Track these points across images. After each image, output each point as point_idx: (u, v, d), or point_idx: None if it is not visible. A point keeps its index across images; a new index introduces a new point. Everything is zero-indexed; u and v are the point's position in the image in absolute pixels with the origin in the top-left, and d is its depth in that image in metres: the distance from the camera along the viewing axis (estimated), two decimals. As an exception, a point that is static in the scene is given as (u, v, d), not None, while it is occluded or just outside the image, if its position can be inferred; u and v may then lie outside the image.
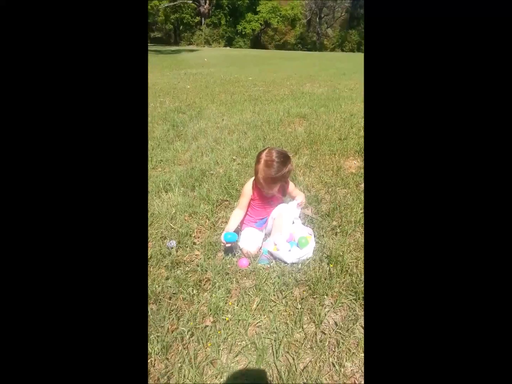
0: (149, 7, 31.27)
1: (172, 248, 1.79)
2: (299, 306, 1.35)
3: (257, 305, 1.37)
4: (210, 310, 1.34)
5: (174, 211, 2.14)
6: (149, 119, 4.39)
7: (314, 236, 1.75)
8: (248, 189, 1.74)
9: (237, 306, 1.36)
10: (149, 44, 27.23)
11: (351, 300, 1.37)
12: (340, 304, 1.36)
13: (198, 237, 1.93)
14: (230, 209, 2.15)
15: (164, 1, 31.18)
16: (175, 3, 32.05)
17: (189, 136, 3.69)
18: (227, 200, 2.28)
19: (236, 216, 1.78)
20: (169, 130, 3.87)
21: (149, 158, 3.08)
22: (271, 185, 1.59)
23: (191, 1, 33.57)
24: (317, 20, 41.31)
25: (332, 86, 7.30)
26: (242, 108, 4.92)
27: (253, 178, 1.71)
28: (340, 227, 1.87)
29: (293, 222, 1.75)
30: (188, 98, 5.74)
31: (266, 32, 39.17)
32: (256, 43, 36.68)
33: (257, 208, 1.78)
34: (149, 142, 3.50)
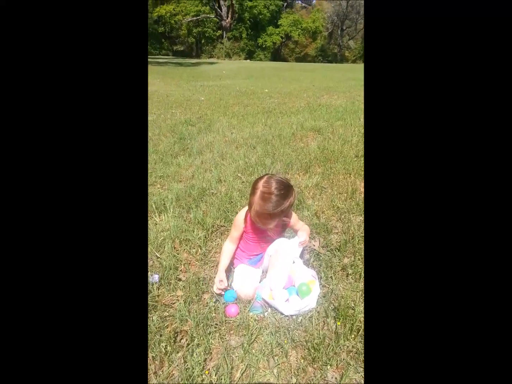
0: (172, 21, 32.22)
1: (153, 284, 1.53)
2: (294, 380, 1.04)
3: (241, 374, 1.08)
4: (181, 379, 1.06)
5: (163, 238, 1.89)
6: (157, 131, 4.24)
7: (320, 279, 1.45)
8: (240, 220, 1.48)
9: (215, 375, 1.07)
10: (170, 57, 27.89)
11: (361, 375, 1.05)
12: (347, 379, 1.04)
13: (185, 271, 1.66)
14: (226, 236, 1.88)
15: (187, 16, 32.00)
16: (197, 17, 32.79)
17: (195, 150, 3.47)
18: (224, 226, 2.01)
19: (228, 251, 1.53)
20: (175, 144, 3.68)
21: (149, 173, 2.87)
22: (268, 221, 1.33)
23: (213, 16, 34.26)
24: (339, 32, 41.15)
25: (351, 98, 6.99)
26: (254, 121, 4.69)
27: (247, 208, 1.43)
28: (353, 266, 1.55)
29: (294, 262, 1.46)
30: (200, 110, 5.58)
31: (287, 45, 39.35)
32: (277, 56, 36.85)
33: (250, 242, 1.51)
34: (153, 156, 3.31)
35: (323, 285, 1.44)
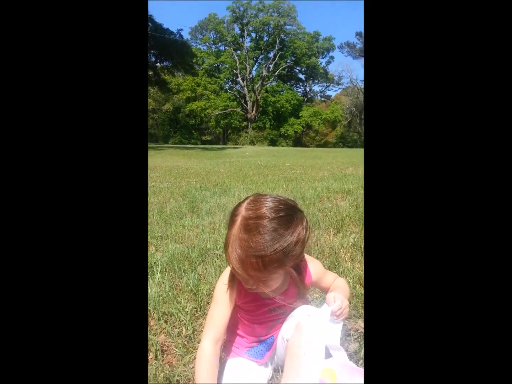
0: (202, 115, 35.66)
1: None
2: None
3: None
4: None
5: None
6: (168, 195, 3.89)
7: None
8: (222, 291, 0.85)
9: None
10: (199, 146, 29.89)
11: None
12: None
13: (153, 365, 1.03)
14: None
15: (216, 110, 35.44)
16: (225, 111, 36.16)
17: (204, 211, 3.01)
18: (225, 295, 1.40)
19: (209, 364, 0.80)
20: (182, 207, 3.25)
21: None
22: (261, 275, 0.72)
23: (239, 109, 37.72)
24: (358, 120, 43.50)
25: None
26: (273, 186, 4.29)
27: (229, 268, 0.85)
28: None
29: (331, 354, 0.80)
30: (218, 179, 5.32)
31: (308, 134, 41.75)
32: (298, 143, 38.87)
33: (249, 322, 0.89)
34: (155, 217, 2.87)
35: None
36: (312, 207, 2.88)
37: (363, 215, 2.50)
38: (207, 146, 26.61)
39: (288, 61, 37.88)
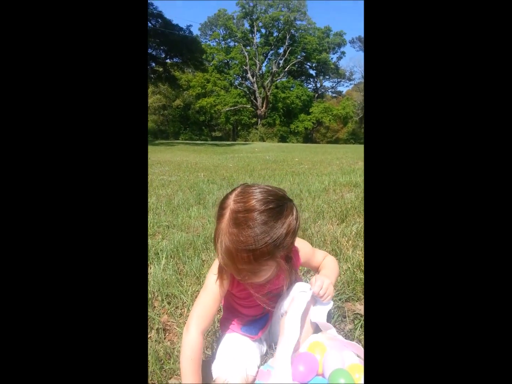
0: (212, 111, 35.76)
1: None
2: None
3: None
4: None
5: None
6: (176, 188, 3.95)
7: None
8: (213, 281, 0.84)
9: None
10: (208, 142, 30.04)
11: None
12: None
13: (155, 341, 1.06)
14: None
15: (226, 106, 35.49)
16: (235, 107, 36.17)
17: (211, 202, 3.05)
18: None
19: (194, 356, 0.77)
20: (189, 198, 3.30)
21: (152, 223, 2.43)
22: (251, 267, 0.71)
23: (249, 106, 37.68)
24: (368, 117, 42.77)
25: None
26: (280, 180, 4.30)
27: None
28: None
29: (321, 329, 0.82)
30: (226, 173, 5.36)
31: (318, 130, 41.40)
32: (308, 140, 38.58)
33: (243, 307, 0.92)
34: (163, 208, 2.92)
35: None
36: (317, 199, 2.88)
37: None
38: (217, 142, 26.71)
39: (299, 56, 37.60)
